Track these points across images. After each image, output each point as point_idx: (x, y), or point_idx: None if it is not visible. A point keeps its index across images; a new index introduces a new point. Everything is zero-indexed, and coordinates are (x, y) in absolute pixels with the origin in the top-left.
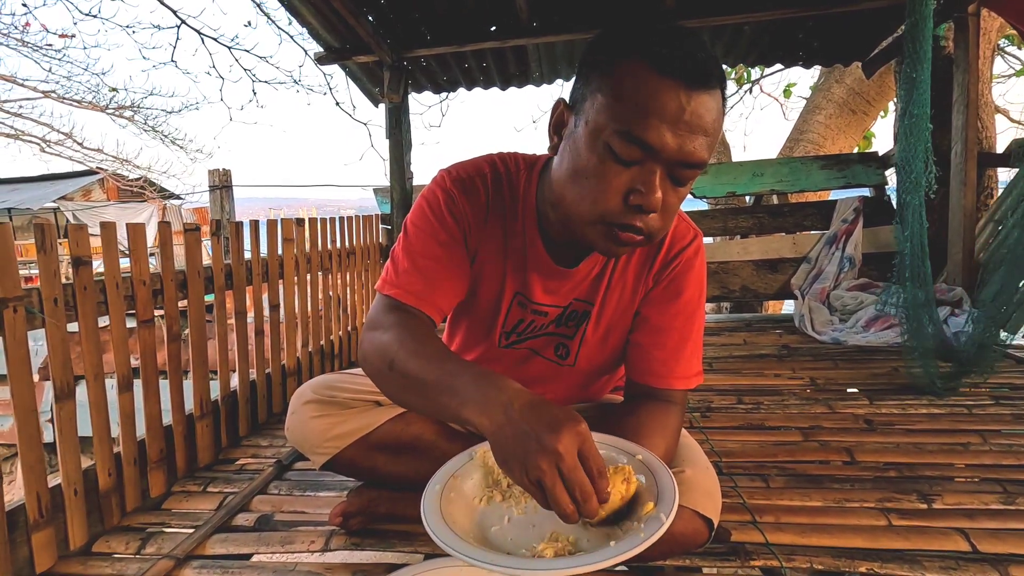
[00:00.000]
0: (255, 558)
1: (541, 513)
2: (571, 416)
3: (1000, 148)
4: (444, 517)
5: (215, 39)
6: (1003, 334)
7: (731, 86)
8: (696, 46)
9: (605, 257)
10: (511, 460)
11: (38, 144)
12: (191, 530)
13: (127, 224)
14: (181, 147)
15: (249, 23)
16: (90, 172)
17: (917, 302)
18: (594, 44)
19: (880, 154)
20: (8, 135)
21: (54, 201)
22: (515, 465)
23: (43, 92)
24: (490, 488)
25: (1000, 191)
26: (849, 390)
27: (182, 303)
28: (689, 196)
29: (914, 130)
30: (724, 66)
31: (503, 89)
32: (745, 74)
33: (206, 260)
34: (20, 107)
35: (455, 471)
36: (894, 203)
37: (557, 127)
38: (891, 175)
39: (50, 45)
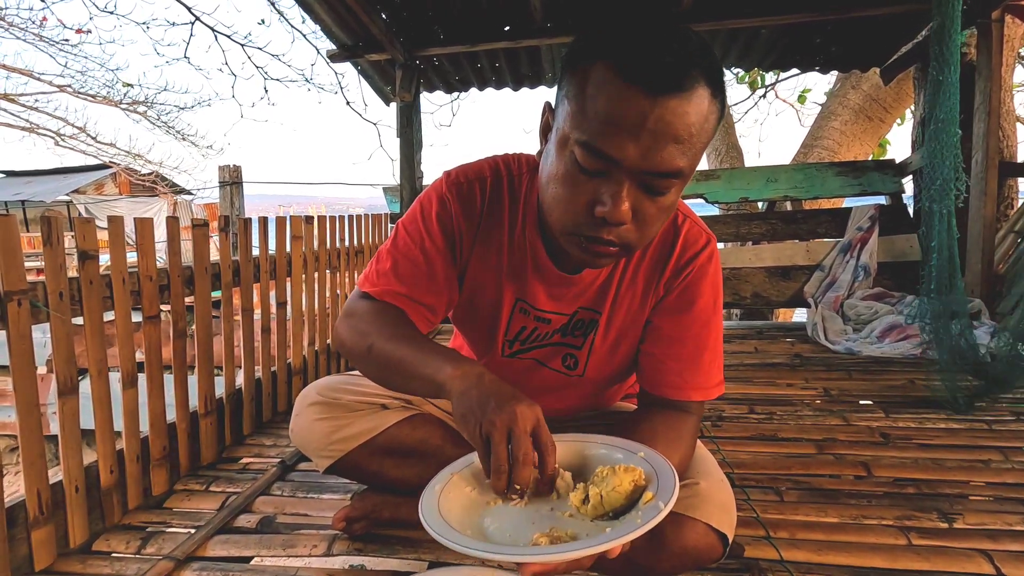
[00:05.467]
0: (255, 561)
1: (542, 511)
2: (530, 400)
3: (1021, 157)
4: (441, 512)
5: (228, 36)
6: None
7: (745, 91)
8: (669, 46)
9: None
10: (469, 415)
11: (53, 138)
12: (192, 530)
13: (135, 219)
14: (193, 143)
15: (262, 21)
16: (103, 166)
17: (944, 313)
18: (571, 46)
19: (897, 162)
20: (24, 128)
21: (67, 194)
22: (472, 419)
23: (58, 86)
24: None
25: (1021, 201)
26: (863, 402)
27: (189, 299)
28: (701, 201)
29: (941, 136)
30: (739, 70)
31: (515, 90)
32: (759, 79)
33: (214, 256)
34: (36, 101)
35: (457, 471)
36: (911, 212)
37: (544, 131)
38: (908, 183)
39: (66, 40)
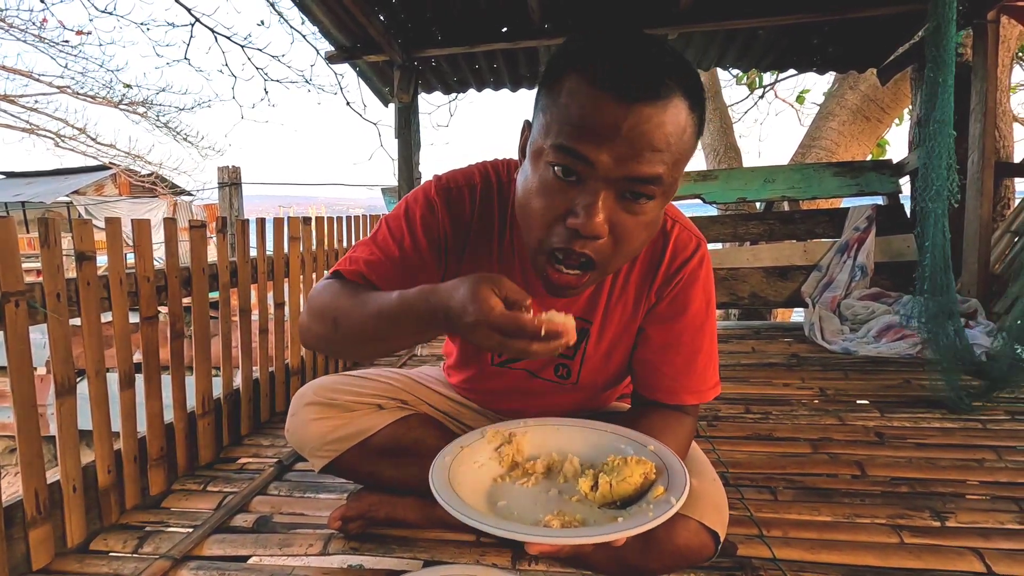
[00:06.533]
0: (252, 560)
1: (549, 493)
2: (478, 282)
3: (1018, 158)
4: (452, 485)
5: (228, 37)
6: (1018, 348)
7: (744, 91)
8: (641, 56)
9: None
10: (465, 339)
11: (53, 139)
12: (189, 530)
13: (132, 220)
14: (192, 144)
15: (262, 22)
16: (103, 167)
17: (938, 313)
18: (548, 60)
19: (895, 162)
20: (24, 129)
21: (67, 195)
22: (480, 346)
23: (59, 87)
24: (499, 465)
25: (1017, 201)
26: (859, 401)
27: (186, 300)
28: (699, 201)
29: (936, 137)
30: (737, 71)
31: (513, 91)
32: (758, 79)
33: (212, 257)
34: (36, 102)
35: (467, 444)
36: (908, 212)
37: (523, 149)
38: (906, 183)
39: (66, 41)
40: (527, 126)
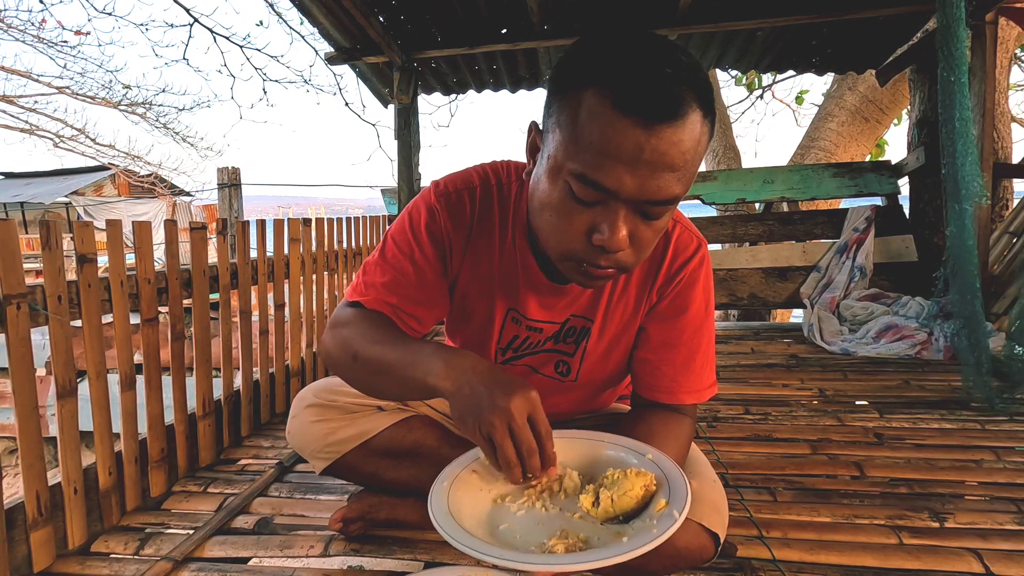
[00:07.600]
0: (253, 562)
1: (550, 511)
2: (524, 384)
3: (1016, 158)
4: (452, 513)
5: (227, 38)
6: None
7: (742, 91)
8: (661, 72)
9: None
10: (467, 416)
11: (52, 139)
12: (190, 531)
13: (133, 222)
14: (192, 144)
15: (261, 22)
16: (102, 168)
17: (969, 313)
18: (559, 65)
19: (893, 163)
20: (23, 130)
21: (66, 196)
22: (470, 420)
23: (58, 88)
24: (497, 486)
25: (1016, 202)
26: (858, 402)
27: (187, 301)
28: (698, 202)
29: (959, 135)
30: (736, 71)
31: (512, 92)
32: (756, 80)
33: (212, 258)
34: (35, 102)
35: (464, 466)
36: (907, 213)
37: (532, 151)
38: (904, 184)
39: (65, 42)
40: (534, 127)
